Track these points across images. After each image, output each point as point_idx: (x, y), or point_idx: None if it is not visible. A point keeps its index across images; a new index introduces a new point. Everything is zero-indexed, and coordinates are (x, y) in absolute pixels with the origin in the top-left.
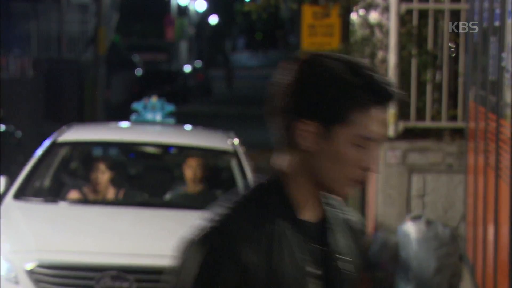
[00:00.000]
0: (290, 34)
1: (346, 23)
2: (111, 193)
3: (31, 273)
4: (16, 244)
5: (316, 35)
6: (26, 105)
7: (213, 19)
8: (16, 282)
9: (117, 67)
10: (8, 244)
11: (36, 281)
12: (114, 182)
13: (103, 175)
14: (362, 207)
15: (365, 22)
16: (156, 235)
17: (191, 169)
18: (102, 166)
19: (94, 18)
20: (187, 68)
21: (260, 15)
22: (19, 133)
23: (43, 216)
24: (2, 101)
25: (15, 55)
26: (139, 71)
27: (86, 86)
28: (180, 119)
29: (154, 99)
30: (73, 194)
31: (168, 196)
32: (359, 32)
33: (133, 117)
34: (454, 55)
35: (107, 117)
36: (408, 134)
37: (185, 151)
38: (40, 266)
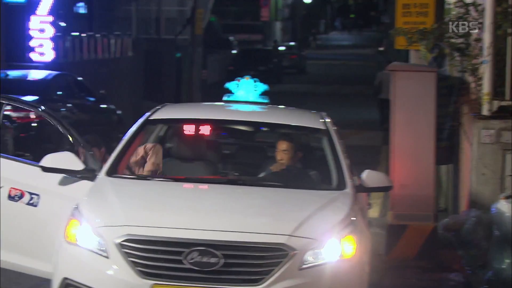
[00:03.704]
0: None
1: (440, 2)
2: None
3: (120, 247)
4: (107, 218)
5: (410, 15)
6: (126, 85)
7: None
8: (107, 256)
9: (213, 47)
10: (99, 219)
11: (126, 255)
12: (204, 159)
13: (156, 157)
14: (456, 186)
15: (460, 1)
16: (245, 212)
17: (279, 153)
18: (148, 149)
19: None
20: (281, 48)
21: None
22: (119, 112)
23: (134, 191)
24: (104, 80)
25: (116, 36)
26: (234, 51)
27: (183, 66)
28: (274, 98)
29: (246, 79)
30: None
31: (258, 174)
32: (454, 11)
33: (226, 96)
34: None
35: (203, 96)
36: (502, 113)
37: (276, 131)
38: (129, 240)
